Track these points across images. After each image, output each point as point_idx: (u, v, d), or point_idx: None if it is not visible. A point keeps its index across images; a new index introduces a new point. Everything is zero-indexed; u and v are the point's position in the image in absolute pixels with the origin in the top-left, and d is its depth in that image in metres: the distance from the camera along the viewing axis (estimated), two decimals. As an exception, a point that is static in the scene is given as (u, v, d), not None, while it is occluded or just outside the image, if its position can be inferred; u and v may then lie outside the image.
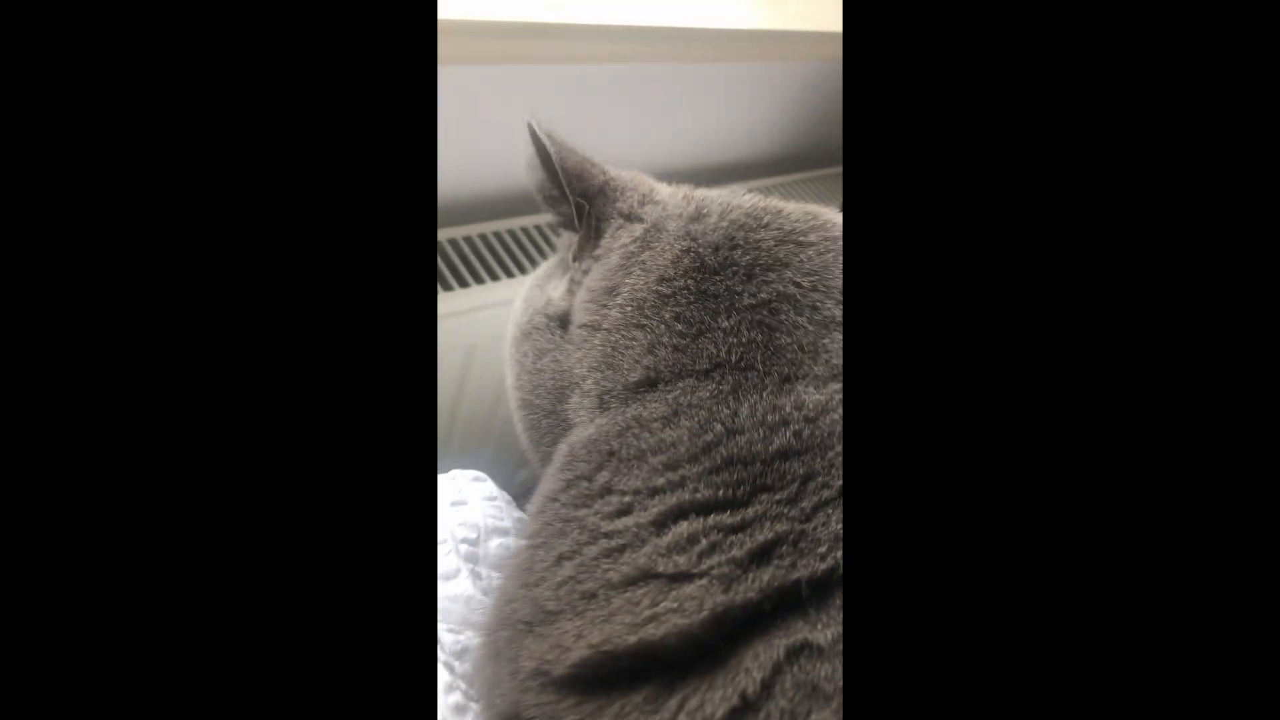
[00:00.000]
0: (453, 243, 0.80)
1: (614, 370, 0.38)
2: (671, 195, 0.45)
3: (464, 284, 0.76)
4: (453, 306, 0.73)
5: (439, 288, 0.74)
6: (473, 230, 0.82)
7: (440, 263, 0.76)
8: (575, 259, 0.45)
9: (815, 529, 0.30)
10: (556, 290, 0.46)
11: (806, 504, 0.30)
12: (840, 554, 0.29)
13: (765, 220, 0.40)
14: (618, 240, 0.43)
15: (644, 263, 0.41)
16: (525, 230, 0.84)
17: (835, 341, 0.36)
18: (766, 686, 0.26)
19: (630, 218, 0.44)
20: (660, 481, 0.32)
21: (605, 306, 0.41)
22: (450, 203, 0.83)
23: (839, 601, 0.28)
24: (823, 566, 0.29)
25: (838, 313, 0.37)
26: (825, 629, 0.27)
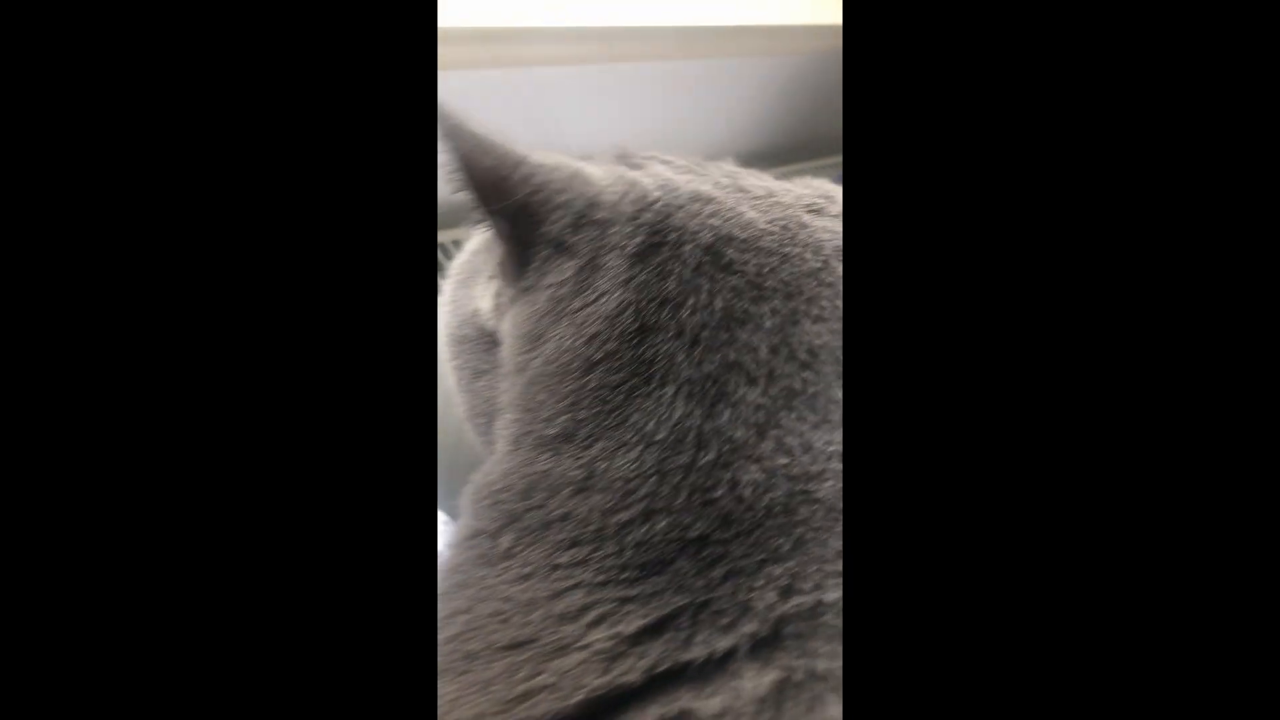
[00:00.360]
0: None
1: (533, 416, 0.34)
2: (615, 206, 0.35)
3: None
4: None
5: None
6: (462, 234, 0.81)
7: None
8: (500, 276, 0.39)
9: (720, 599, 0.27)
10: (484, 300, 0.40)
11: (717, 573, 0.28)
12: (746, 627, 0.26)
13: (728, 259, 0.32)
14: (545, 276, 0.35)
15: (574, 313, 0.33)
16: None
17: (794, 416, 0.30)
18: None
19: (560, 248, 0.35)
20: (564, 559, 0.30)
21: (529, 353, 0.35)
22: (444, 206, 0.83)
23: (735, 669, 0.26)
24: (723, 642, 0.26)
25: (799, 380, 0.31)
26: (711, 698, 0.25)
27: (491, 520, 0.32)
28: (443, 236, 0.80)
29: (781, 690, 0.25)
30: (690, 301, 0.32)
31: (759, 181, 0.38)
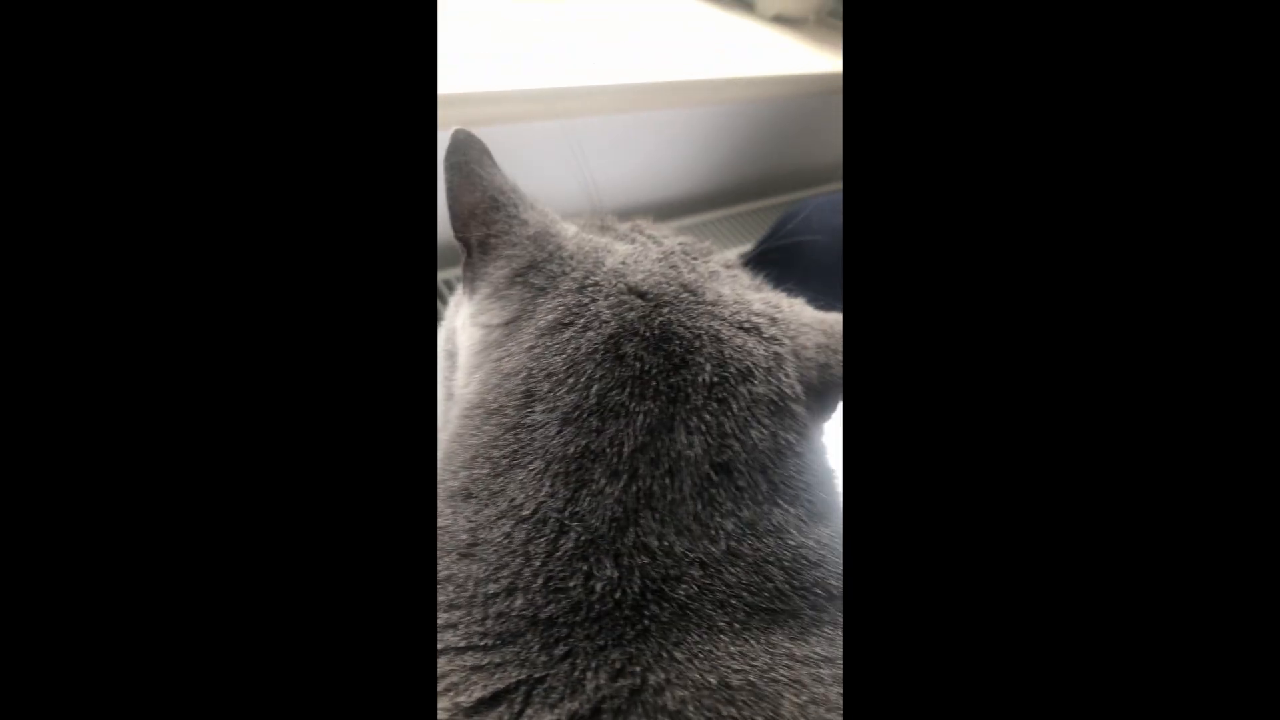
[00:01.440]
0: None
1: (449, 463, 0.35)
2: (554, 279, 0.37)
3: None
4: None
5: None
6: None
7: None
8: (464, 296, 0.42)
9: (556, 675, 0.29)
10: (459, 318, 0.42)
11: (559, 651, 0.29)
12: (573, 704, 0.28)
13: (624, 352, 0.34)
14: (483, 314, 0.39)
15: (488, 362, 0.37)
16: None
17: (655, 518, 0.31)
18: None
19: (495, 295, 0.38)
20: (441, 620, 0.31)
21: (464, 387, 0.38)
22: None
23: None
24: (548, 718, 0.28)
25: (659, 485, 0.32)
26: None
27: None
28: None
29: None
30: (570, 381, 0.34)
31: (722, 290, 0.38)
